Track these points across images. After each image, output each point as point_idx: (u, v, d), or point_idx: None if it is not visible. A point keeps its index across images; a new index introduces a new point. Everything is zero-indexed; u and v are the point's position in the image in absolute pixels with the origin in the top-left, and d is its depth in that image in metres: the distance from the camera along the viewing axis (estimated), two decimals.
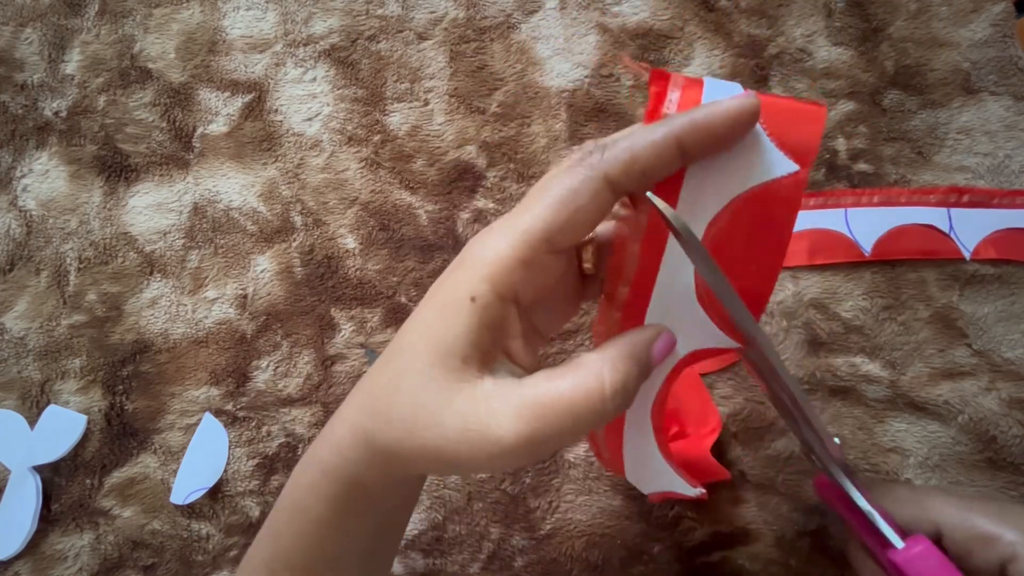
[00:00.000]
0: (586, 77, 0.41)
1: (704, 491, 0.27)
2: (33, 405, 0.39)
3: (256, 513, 0.37)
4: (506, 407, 0.20)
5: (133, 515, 0.38)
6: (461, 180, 0.40)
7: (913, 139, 0.38)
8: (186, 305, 0.40)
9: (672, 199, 0.20)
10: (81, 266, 0.41)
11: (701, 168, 0.20)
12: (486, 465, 0.20)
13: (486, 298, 0.20)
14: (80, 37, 0.43)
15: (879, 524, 0.25)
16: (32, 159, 0.42)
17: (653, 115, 0.21)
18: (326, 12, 0.42)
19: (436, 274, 0.39)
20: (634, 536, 0.36)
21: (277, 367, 0.39)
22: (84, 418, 0.39)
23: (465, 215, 0.40)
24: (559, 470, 0.36)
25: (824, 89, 0.39)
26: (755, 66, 0.40)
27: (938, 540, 0.25)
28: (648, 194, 0.20)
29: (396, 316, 0.39)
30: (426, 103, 0.41)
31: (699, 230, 0.21)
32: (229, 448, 0.38)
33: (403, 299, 0.39)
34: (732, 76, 0.40)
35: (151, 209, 0.41)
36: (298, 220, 0.40)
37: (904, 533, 0.25)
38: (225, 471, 0.38)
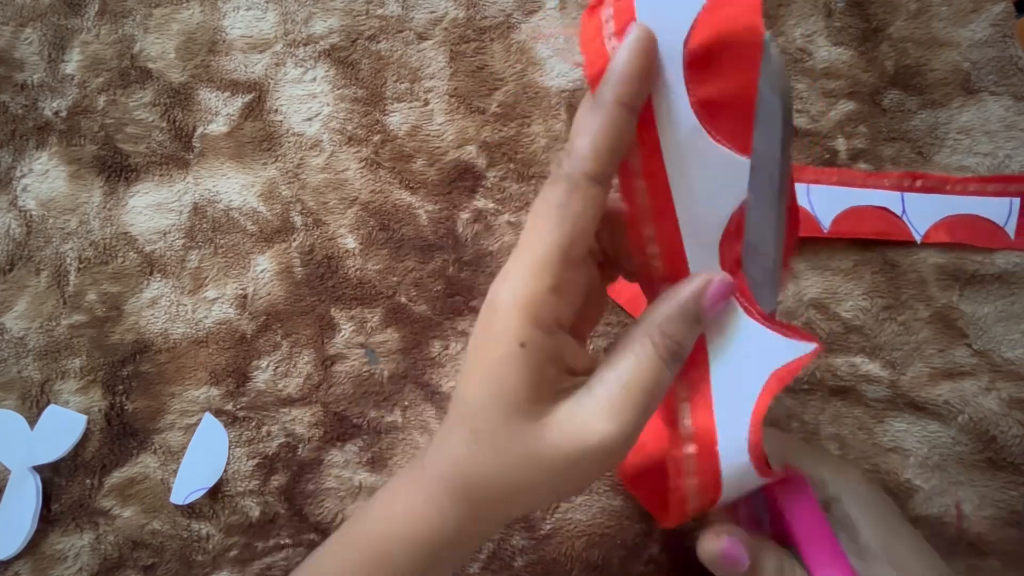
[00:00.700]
0: None
1: (818, 345, 0.23)
2: (33, 405, 0.39)
3: (256, 513, 0.37)
4: (592, 415, 0.21)
5: (133, 515, 0.38)
6: (461, 180, 0.40)
7: (913, 139, 0.38)
8: (186, 305, 0.40)
9: (656, 164, 0.21)
10: (81, 266, 0.41)
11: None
12: (599, 472, 0.23)
13: (535, 339, 0.21)
14: (80, 37, 0.43)
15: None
16: (32, 159, 0.42)
17: (589, 45, 0.21)
18: (326, 12, 0.42)
19: (436, 274, 0.39)
20: (634, 536, 0.36)
21: (277, 367, 0.39)
22: (84, 418, 0.39)
23: (465, 215, 0.40)
24: None
25: (824, 89, 0.39)
26: None
27: None
28: None
29: (396, 316, 0.39)
30: (426, 103, 0.41)
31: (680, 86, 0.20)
32: (229, 448, 0.38)
33: (403, 299, 0.39)
34: None
35: (151, 209, 0.41)
36: (298, 220, 0.40)
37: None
38: (225, 471, 0.38)
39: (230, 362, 0.39)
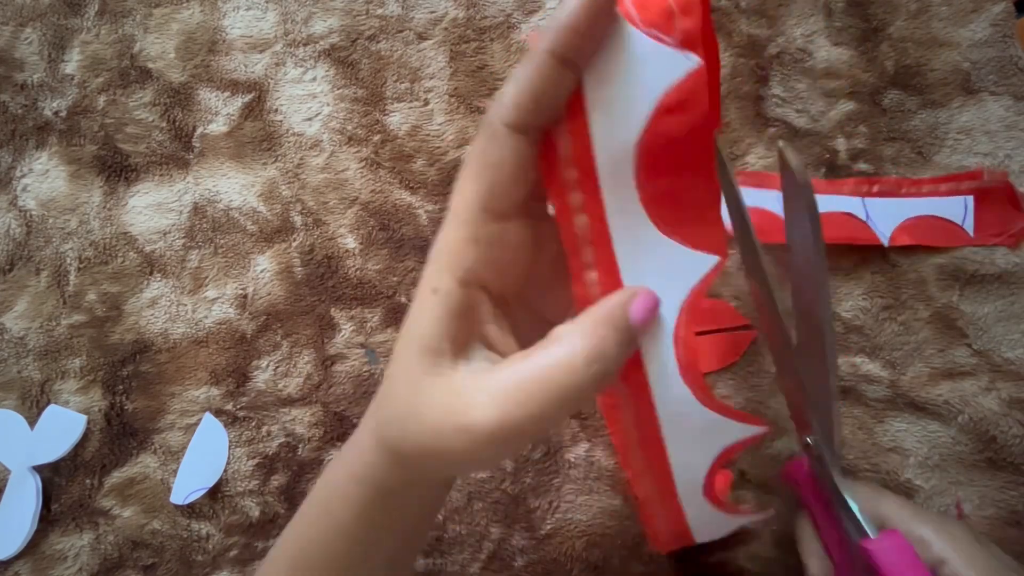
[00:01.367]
0: None
1: (767, 428, 0.25)
2: (33, 405, 0.39)
3: (256, 513, 0.37)
4: (480, 394, 0.19)
5: (133, 515, 0.38)
6: None
7: (913, 139, 0.38)
8: (186, 305, 0.40)
9: (580, 122, 0.19)
10: (81, 266, 0.41)
11: (599, 87, 0.19)
12: (470, 456, 0.20)
13: (446, 286, 0.20)
14: (80, 37, 0.43)
15: (858, 514, 0.26)
16: (32, 159, 0.42)
17: None
18: (326, 12, 0.42)
19: None
20: (634, 536, 0.36)
21: (277, 367, 0.39)
22: (84, 418, 0.39)
23: None
24: (559, 470, 0.36)
25: (824, 89, 0.39)
26: (755, 66, 0.40)
27: None
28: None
29: (396, 316, 0.39)
30: (426, 103, 0.41)
31: (629, 156, 0.20)
32: (229, 448, 0.38)
33: (403, 299, 0.39)
34: (732, 76, 0.40)
35: (151, 209, 0.41)
36: (298, 220, 0.40)
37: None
38: (225, 471, 0.38)
39: (230, 362, 0.39)
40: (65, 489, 0.38)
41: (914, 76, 0.39)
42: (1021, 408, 0.35)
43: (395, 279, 0.39)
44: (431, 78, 0.41)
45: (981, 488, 0.34)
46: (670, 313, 0.21)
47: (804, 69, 0.39)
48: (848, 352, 0.36)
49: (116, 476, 0.38)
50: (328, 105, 0.41)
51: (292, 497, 0.38)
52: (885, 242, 0.36)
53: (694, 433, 0.24)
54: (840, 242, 0.37)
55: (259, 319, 0.39)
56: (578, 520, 0.36)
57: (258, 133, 0.41)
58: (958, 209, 0.37)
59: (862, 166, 0.38)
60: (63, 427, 0.38)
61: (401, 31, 0.42)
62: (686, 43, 0.19)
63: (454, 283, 0.20)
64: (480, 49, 0.41)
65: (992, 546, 0.27)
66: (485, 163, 0.20)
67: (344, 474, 0.23)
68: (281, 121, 0.41)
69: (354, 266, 0.40)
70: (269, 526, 0.37)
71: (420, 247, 0.40)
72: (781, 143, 0.19)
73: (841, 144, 0.38)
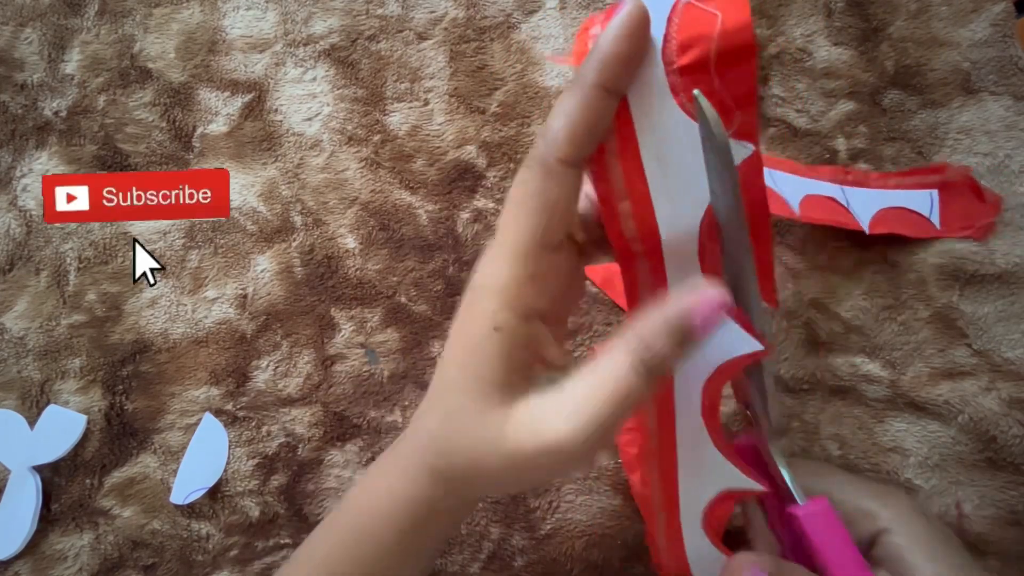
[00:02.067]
0: None
1: (765, 489, 0.27)
2: (33, 405, 0.39)
3: (256, 513, 0.37)
4: (554, 416, 0.21)
5: (133, 515, 0.38)
6: (461, 180, 0.40)
7: (913, 139, 0.38)
8: (186, 305, 0.40)
9: (631, 147, 0.20)
10: (81, 266, 0.41)
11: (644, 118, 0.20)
12: (558, 469, 0.22)
13: (510, 325, 0.21)
14: (80, 37, 0.43)
15: (788, 481, 0.27)
16: (32, 159, 0.42)
17: (580, 57, 0.21)
18: (326, 12, 0.42)
19: (436, 274, 0.39)
20: (634, 536, 0.36)
21: (277, 367, 0.39)
22: (84, 418, 0.39)
23: (465, 215, 0.40)
24: None
25: (824, 89, 0.39)
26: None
27: None
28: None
29: (396, 316, 0.39)
30: (426, 103, 0.41)
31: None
32: (229, 448, 0.38)
33: (403, 299, 0.39)
34: None
35: None
36: (298, 220, 0.40)
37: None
38: (225, 471, 0.38)
39: (230, 362, 0.39)
40: (65, 489, 0.38)
41: (914, 76, 0.39)
42: (1021, 408, 0.35)
43: (395, 279, 0.39)
44: (431, 78, 0.41)
45: (981, 488, 0.34)
46: (704, 372, 0.23)
47: (804, 69, 0.39)
48: (848, 352, 0.36)
49: (116, 476, 0.38)
50: (328, 105, 0.41)
51: (292, 497, 0.38)
52: (866, 229, 0.36)
53: (703, 466, 0.26)
54: (825, 223, 0.37)
55: (259, 319, 0.39)
56: (578, 520, 0.36)
57: (258, 133, 0.41)
58: (924, 202, 0.37)
59: (862, 166, 0.38)
60: (63, 427, 0.38)
61: (401, 31, 0.42)
62: (742, 135, 0.19)
63: (517, 320, 0.21)
64: (480, 49, 0.41)
65: (932, 516, 0.29)
66: (545, 201, 0.20)
67: (388, 500, 0.24)
68: (281, 121, 0.41)
69: (354, 266, 0.40)
70: (269, 526, 0.37)
71: (420, 247, 0.40)
72: (696, 91, 0.19)
73: (841, 144, 0.38)
